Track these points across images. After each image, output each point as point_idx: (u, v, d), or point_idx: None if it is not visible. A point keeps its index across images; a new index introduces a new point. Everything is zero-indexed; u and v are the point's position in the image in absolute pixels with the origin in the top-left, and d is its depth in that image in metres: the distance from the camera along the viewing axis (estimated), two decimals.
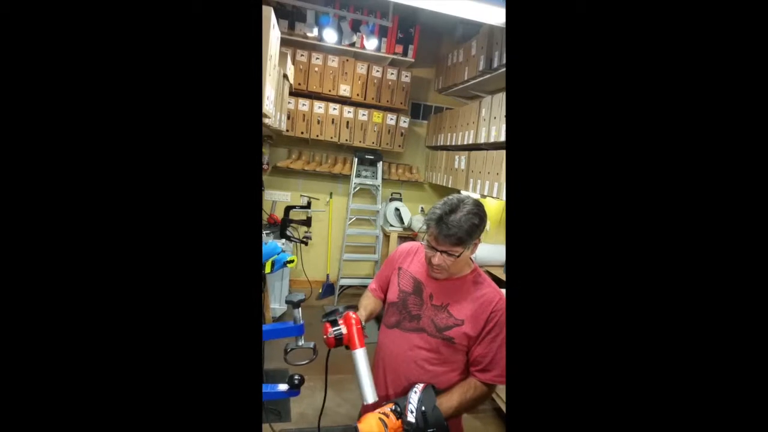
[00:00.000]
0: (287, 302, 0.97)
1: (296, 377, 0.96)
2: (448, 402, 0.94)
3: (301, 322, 0.99)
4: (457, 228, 0.91)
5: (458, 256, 0.95)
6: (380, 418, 0.88)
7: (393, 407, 0.91)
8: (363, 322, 1.02)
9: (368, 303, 1.16)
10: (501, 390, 2.03)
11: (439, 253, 0.95)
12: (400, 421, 0.89)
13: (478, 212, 0.95)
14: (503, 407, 2.06)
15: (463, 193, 2.89)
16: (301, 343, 1.01)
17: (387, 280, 1.17)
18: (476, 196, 2.72)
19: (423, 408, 0.89)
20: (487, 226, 3.29)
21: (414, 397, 0.92)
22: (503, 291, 1.02)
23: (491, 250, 2.72)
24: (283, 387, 1.00)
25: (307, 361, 1.02)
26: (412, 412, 0.89)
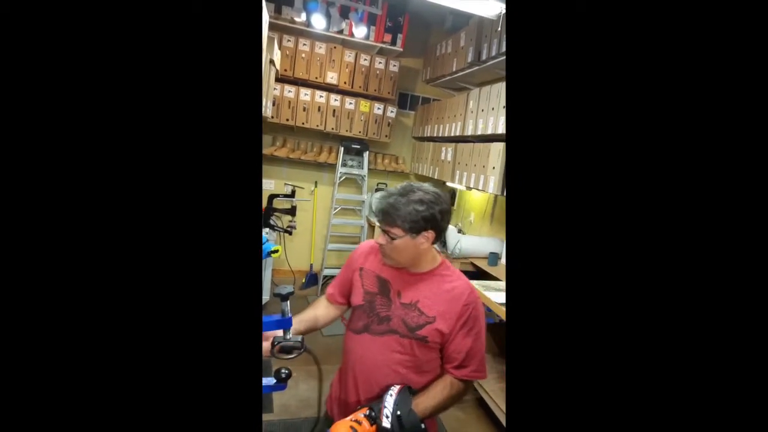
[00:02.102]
0: (275, 295, 0.95)
1: (284, 371, 0.94)
2: (424, 403, 0.91)
3: (290, 315, 0.97)
4: (392, 208, 0.92)
5: (394, 240, 0.94)
6: (351, 426, 0.83)
7: (367, 412, 0.87)
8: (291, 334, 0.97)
9: (310, 314, 1.11)
10: (483, 381, 2.06)
11: (382, 232, 0.97)
12: (374, 427, 0.85)
13: (430, 202, 0.92)
14: (485, 397, 2.10)
15: (449, 185, 2.90)
16: (288, 336, 0.99)
17: (348, 284, 1.11)
18: (462, 188, 2.74)
19: (398, 412, 0.85)
20: (471, 218, 3.32)
21: (389, 400, 0.88)
22: (472, 283, 1.01)
23: (475, 241, 2.75)
24: (269, 381, 0.98)
25: (294, 355, 1.01)
26: (387, 417, 0.85)
